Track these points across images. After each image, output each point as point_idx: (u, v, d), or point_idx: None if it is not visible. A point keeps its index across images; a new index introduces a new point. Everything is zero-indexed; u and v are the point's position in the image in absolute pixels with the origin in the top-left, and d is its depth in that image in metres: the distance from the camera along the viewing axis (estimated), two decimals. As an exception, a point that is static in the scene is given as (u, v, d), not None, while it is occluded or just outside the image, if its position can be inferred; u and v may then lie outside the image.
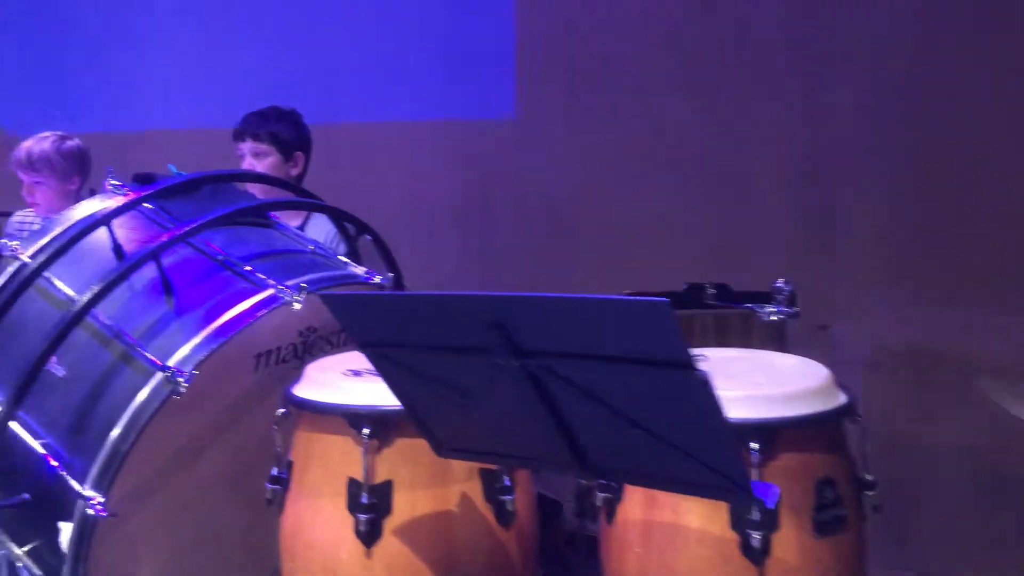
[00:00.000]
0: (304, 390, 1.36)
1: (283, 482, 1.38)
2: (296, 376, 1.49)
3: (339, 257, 1.83)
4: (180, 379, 1.42)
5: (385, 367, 1.08)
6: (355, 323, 1.06)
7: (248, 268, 1.62)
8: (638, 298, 0.81)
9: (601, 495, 1.27)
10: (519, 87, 3.15)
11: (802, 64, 2.79)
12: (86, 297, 1.46)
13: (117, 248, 1.64)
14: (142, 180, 1.83)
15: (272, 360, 1.62)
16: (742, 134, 2.91)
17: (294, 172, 2.46)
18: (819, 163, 2.82)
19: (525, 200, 3.18)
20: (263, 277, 1.60)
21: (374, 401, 1.27)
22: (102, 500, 1.40)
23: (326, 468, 1.31)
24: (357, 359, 1.50)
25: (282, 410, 1.39)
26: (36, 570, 1.54)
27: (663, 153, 3.06)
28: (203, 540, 1.61)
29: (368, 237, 1.97)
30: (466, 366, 1.00)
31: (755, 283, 1.96)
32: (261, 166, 2.43)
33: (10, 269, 1.67)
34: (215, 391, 1.52)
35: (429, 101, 3.23)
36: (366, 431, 1.25)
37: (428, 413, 1.13)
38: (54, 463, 1.46)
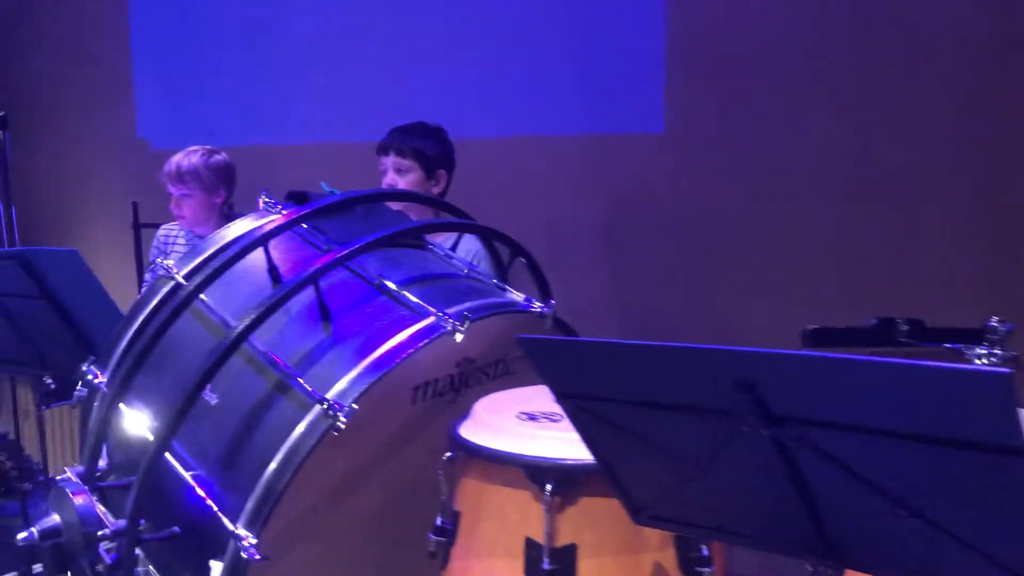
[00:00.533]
0: (475, 433, 1.23)
1: (449, 534, 1.25)
2: (459, 413, 1.37)
3: (494, 282, 1.70)
4: (339, 413, 1.31)
5: (584, 421, 0.93)
6: (556, 370, 0.91)
7: (407, 293, 1.51)
8: (962, 367, 0.62)
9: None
10: (668, 101, 2.97)
11: (985, 70, 2.51)
12: (244, 323, 1.38)
13: (273, 270, 1.56)
14: (296, 199, 1.76)
15: (429, 393, 1.50)
16: (912, 152, 2.64)
17: (436, 190, 2.36)
18: (1007, 184, 2.53)
19: (672, 218, 3.00)
20: (423, 304, 1.49)
21: (558, 453, 1.12)
22: (255, 541, 1.30)
23: (501, 524, 1.17)
24: (528, 399, 1.36)
25: (449, 454, 1.26)
26: (184, 606, 1.47)
27: (821, 172, 2.82)
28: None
29: (522, 260, 1.84)
30: (692, 428, 0.84)
31: (930, 319, 1.77)
32: (403, 182, 2.35)
33: (165, 289, 1.61)
34: (370, 425, 1.41)
35: (573, 115, 3.09)
36: (549, 487, 1.11)
37: (630, 475, 0.98)
38: (206, 498, 1.38)
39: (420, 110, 2.83)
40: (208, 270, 1.57)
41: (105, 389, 1.56)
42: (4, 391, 2.98)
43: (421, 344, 1.41)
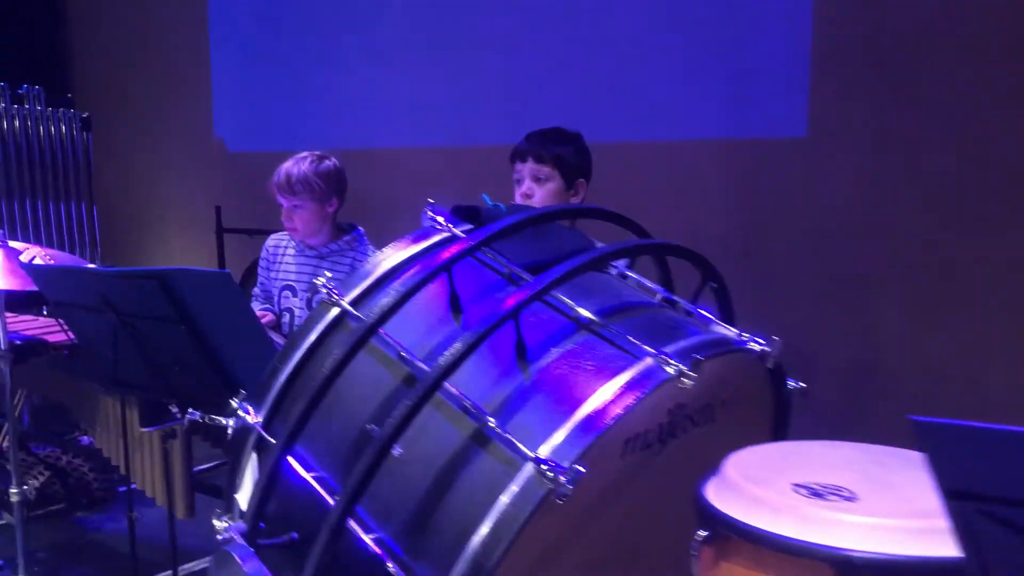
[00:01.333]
0: (748, 512, 1.01)
1: (704, 629, 1.04)
2: (663, 467, 1.17)
3: (699, 312, 1.48)
4: (560, 476, 1.10)
5: (989, 532, 0.71)
6: (958, 463, 0.69)
7: (613, 328, 1.30)
8: None
9: None
10: (812, 104, 2.74)
11: None
12: (441, 366, 1.18)
13: (455, 299, 1.37)
14: (466, 214, 1.56)
15: (639, 445, 1.29)
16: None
17: (574, 200, 2.16)
18: None
19: (814, 225, 2.77)
20: (635, 341, 1.27)
21: (876, 546, 0.90)
22: (460, 627, 1.10)
23: (787, 628, 0.96)
24: (787, 463, 1.13)
25: (703, 532, 1.05)
26: None
27: (978, 180, 2.56)
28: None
29: (713, 285, 1.62)
30: None
31: None
32: (541, 192, 2.15)
33: (329, 317, 1.42)
34: (579, 485, 1.20)
35: (711, 118, 2.87)
36: (867, 589, 0.89)
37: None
38: (394, 568, 1.18)
39: (541, 114, 2.63)
40: (382, 299, 1.37)
41: (261, 431, 1.38)
42: (98, 404, 2.84)
43: (644, 394, 1.20)
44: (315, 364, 1.40)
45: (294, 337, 1.44)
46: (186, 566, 3.20)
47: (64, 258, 2.46)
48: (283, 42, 4.77)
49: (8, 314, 2.53)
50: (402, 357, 1.32)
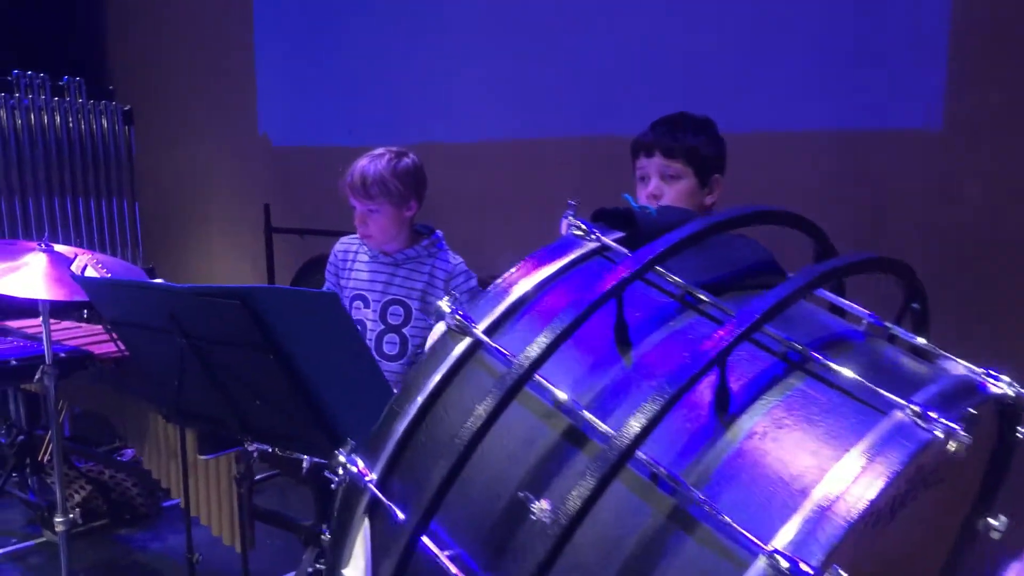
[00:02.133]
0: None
1: None
2: (882, 545, 0.87)
3: (920, 342, 1.18)
4: (811, 580, 0.81)
5: None
6: None
7: (837, 370, 1.00)
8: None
9: None
10: (949, 94, 2.41)
11: None
12: (632, 431, 0.89)
13: (621, 330, 1.07)
14: (609, 219, 1.27)
15: (871, 522, 1.00)
16: None
17: (709, 200, 1.86)
18: None
19: (948, 222, 2.45)
20: (873, 389, 0.98)
21: None
22: None
23: None
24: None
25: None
26: None
27: None
28: None
29: (915, 306, 1.31)
30: None
31: None
32: (671, 191, 1.86)
33: (459, 349, 1.14)
34: None
35: (830, 107, 2.56)
36: None
37: None
38: None
39: (622, 105, 2.34)
40: (525, 326, 1.09)
41: (377, 491, 1.10)
42: (148, 422, 2.59)
43: (903, 464, 0.90)
44: (444, 409, 1.12)
45: (415, 374, 1.15)
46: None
47: (115, 265, 2.21)
48: (331, 32, 4.51)
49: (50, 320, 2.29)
50: (560, 405, 1.03)
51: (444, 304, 1.18)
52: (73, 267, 1.83)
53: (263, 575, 2.40)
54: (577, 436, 1.02)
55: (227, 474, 2.30)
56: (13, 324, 2.92)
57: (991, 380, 1.09)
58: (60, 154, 4.14)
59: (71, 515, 2.34)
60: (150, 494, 3.72)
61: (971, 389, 1.03)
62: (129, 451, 3.80)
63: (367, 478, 1.13)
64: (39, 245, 2.23)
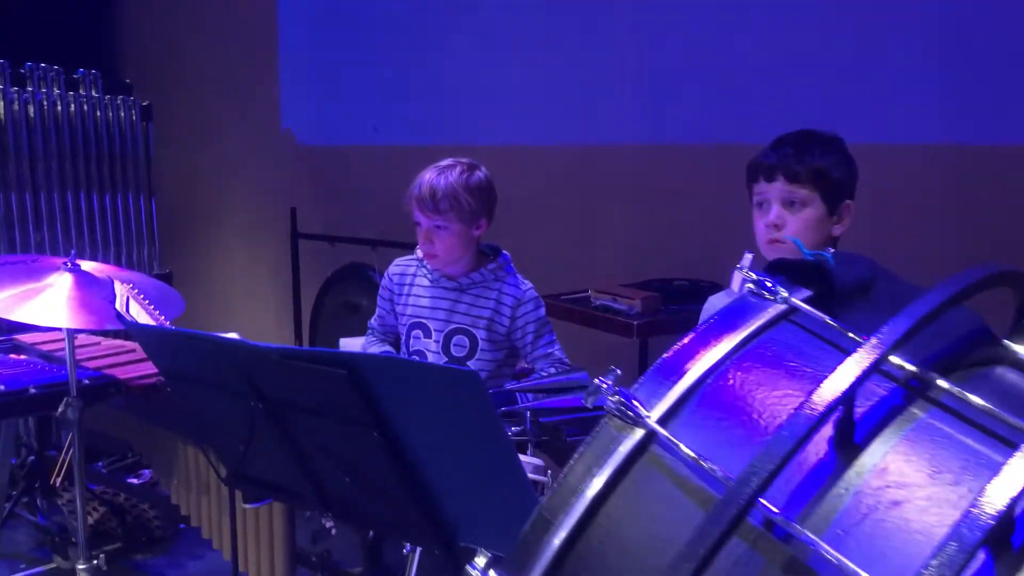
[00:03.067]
0: None
1: None
2: None
3: None
4: None
5: None
6: None
7: None
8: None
9: None
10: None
11: None
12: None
13: (846, 435, 0.85)
14: (798, 274, 1.04)
15: None
16: None
17: (838, 232, 1.64)
18: None
19: None
20: None
21: None
22: None
23: None
24: None
25: None
26: None
27: None
28: None
29: None
30: None
31: None
32: (796, 221, 1.63)
33: (628, 442, 0.91)
34: None
35: (935, 120, 2.35)
36: None
37: None
38: None
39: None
40: (707, 417, 0.87)
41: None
42: (177, 456, 2.37)
43: None
44: (611, 520, 0.89)
45: (572, 470, 0.92)
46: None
47: (147, 286, 1.98)
48: (361, 22, 4.27)
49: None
50: (771, 526, 0.81)
51: (601, 384, 0.95)
52: (117, 304, 1.60)
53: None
54: (805, 572, 0.79)
55: (268, 524, 2.08)
56: (27, 339, 2.69)
57: None
58: (75, 149, 3.92)
59: (96, 561, 2.11)
60: (167, 517, 3.50)
61: None
62: (147, 472, 3.58)
63: (511, 604, 0.90)
64: (65, 264, 2.00)
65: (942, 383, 0.91)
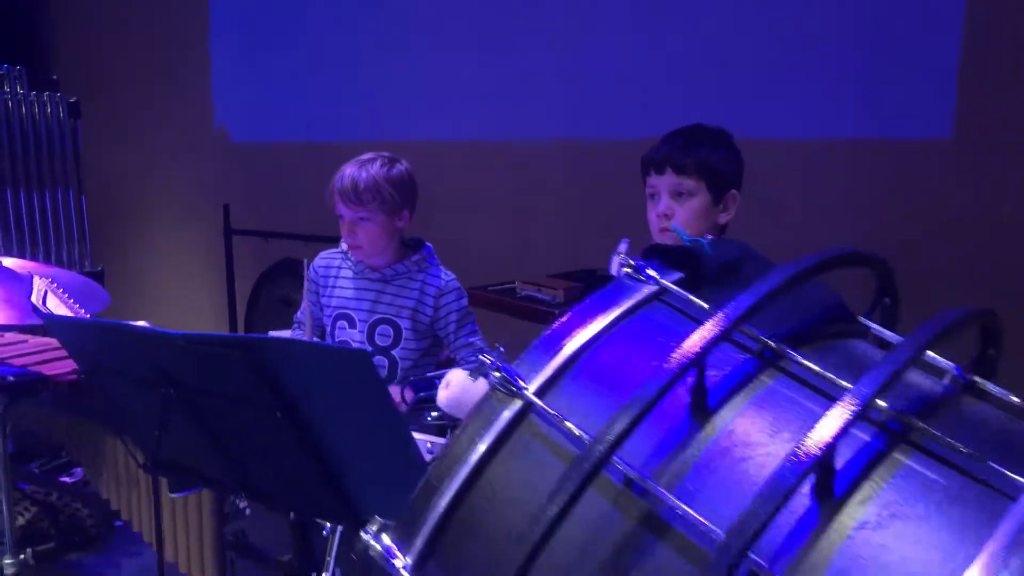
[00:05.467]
0: None
1: None
2: None
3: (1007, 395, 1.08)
4: None
5: None
6: None
7: (947, 443, 0.89)
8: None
9: None
10: (959, 104, 2.35)
11: None
12: (749, 530, 0.75)
13: (700, 397, 0.94)
14: (671, 258, 1.13)
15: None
16: None
17: (723, 220, 1.75)
18: None
19: (959, 229, 2.41)
20: (994, 469, 0.86)
21: None
22: None
23: None
24: None
25: None
26: None
27: None
28: None
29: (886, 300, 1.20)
30: None
31: None
32: (683, 211, 1.73)
33: (506, 412, 0.99)
34: None
35: (849, 117, 2.49)
36: None
37: None
38: None
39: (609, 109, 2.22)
40: (582, 389, 0.95)
41: (413, 581, 0.95)
42: (104, 448, 2.38)
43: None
44: (492, 484, 0.97)
45: (457, 440, 1.00)
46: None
47: (72, 281, 2.00)
48: (292, 18, 4.28)
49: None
50: (630, 485, 0.90)
51: (485, 358, 1.03)
52: (33, 298, 1.61)
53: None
54: (658, 524, 0.88)
55: (196, 514, 2.11)
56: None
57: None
58: (0, 145, 3.87)
59: (23, 556, 2.12)
60: (101, 515, 3.48)
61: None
62: (78, 470, 3.55)
63: (399, 563, 0.97)
64: (-17, 260, 2.01)
65: (792, 354, 1.00)
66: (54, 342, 2.67)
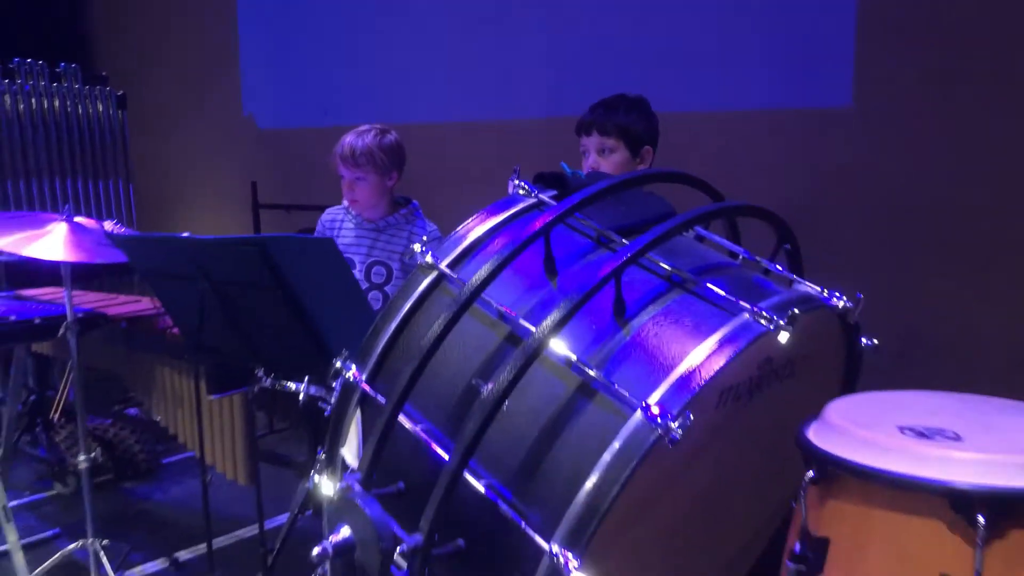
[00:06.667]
0: (860, 452, 1.07)
1: (812, 563, 1.11)
2: (749, 419, 1.24)
3: (780, 270, 1.55)
4: (670, 423, 1.17)
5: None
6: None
7: (710, 286, 1.36)
8: None
9: None
10: (858, 73, 2.77)
11: None
12: (547, 326, 1.24)
13: (549, 260, 1.43)
14: (548, 181, 1.62)
15: (731, 397, 1.36)
16: None
17: (641, 167, 2.21)
18: None
19: (860, 194, 2.82)
20: (729, 298, 1.34)
21: (989, 480, 0.97)
22: (578, 563, 1.17)
23: (900, 558, 1.02)
24: (885, 409, 1.21)
25: (810, 473, 1.12)
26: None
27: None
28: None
29: (787, 247, 1.68)
30: None
31: None
32: (607, 164, 2.20)
33: (427, 280, 1.49)
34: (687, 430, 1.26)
35: (759, 89, 2.92)
36: (982, 518, 0.95)
37: None
38: (507, 511, 1.26)
39: (590, 86, 2.68)
40: (483, 263, 1.44)
41: (366, 387, 1.45)
42: (154, 374, 2.92)
43: (742, 347, 1.26)
44: (416, 324, 1.47)
45: (395, 299, 1.50)
46: (237, 532, 3.30)
47: (131, 233, 2.52)
48: (311, 17, 4.80)
49: (60, 288, 2.60)
50: (503, 317, 1.39)
51: (415, 247, 1.53)
52: (106, 227, 2.13)
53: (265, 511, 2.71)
54: (513, 338, 1.37)
55: (230, 418, 2.63)
56: (28, 292, 3.23)
57: (837, 299, 1.45)
58: (59, 137, 4.39)
59: (93, 454, 2.66)
60: (151, 451, 4.04)
61: (806, 300, 1.39)
62: (132, 411, 4.11)
63: (357, 377, 1.47)
64: (62, 216, 2.54)
65: (691, 277, 1.44)
66: (112, 295, 3.23)
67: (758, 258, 1.56)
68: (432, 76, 4.14)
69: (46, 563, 2.82)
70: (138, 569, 3.10)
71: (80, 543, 2.74)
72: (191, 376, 2.68)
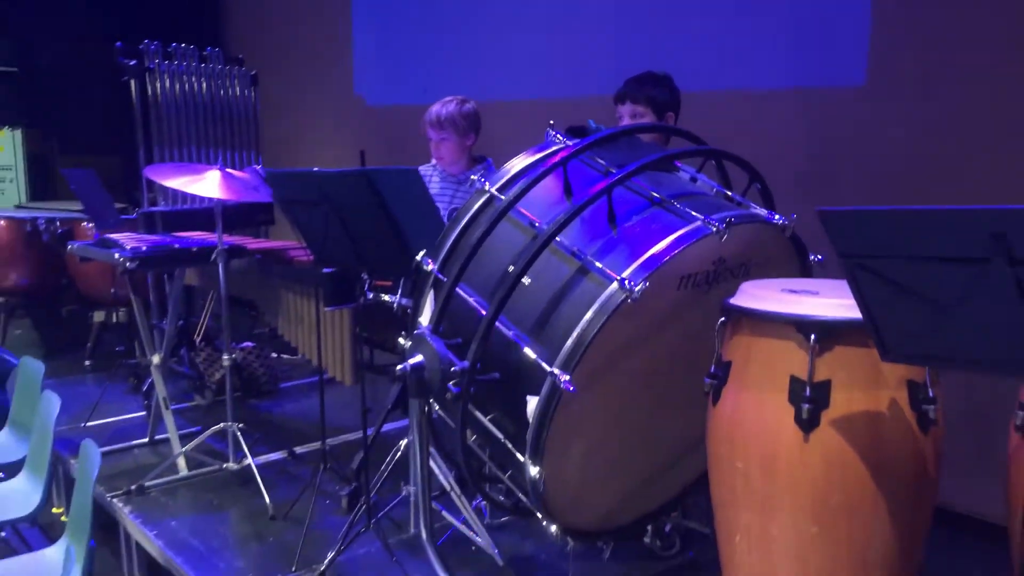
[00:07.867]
0: (750, 302, 1.62)
1: (720, 378, 1.65)
2: (709, 304, 1.78)
3: (737, 199, 2.08)
4: (635, 287, 1.73)
5: (858, 275, 1.30)
6: (843, 234, 1.28)
7: (675, 203, 1.92)
8: None
9: None
10: (872, 52, 3.14)
11: None
12: (555, 226, 1.83)
13: (567, 185, 2.01)
14: (576, 132, 2.20)
15: (690, 283, 1.91)
16: None
17: (666, 132, 2.74)
18: None
19: (872, 170, 3.15)
20: (689, 211, 1.89)
21: (821, 313, 1.50)
22: (568, 377, 1.75)
23: (768, 367, 1.56)
24: (783, 283, 1.75)
25: (722, 319, 1.67)
26: (498, 433, 1.96)
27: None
28: (623, 423, 1.97)
29: (757, 186, 2.20)
30: (952, 275, 1.19)
31: None
32: (639, 127, 2.74)
33: (480, 200, 2.09)
34: (646, 304, 1.82)
35: (775, 68, 3.32)
36: (813, 337, 1.49)
37: (887, 320, 1.33)
38: (526, 350, 1.85)
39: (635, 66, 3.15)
40: (517, 186, 2.03)
41: (439, 275, 2.07)
42: (281, 297, 3.63)
43: (692, 241, 1.81)
44: (473, 230, 2.07)
45: (459, 214, 2.12)
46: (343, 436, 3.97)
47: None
48: (412, 10, 5.49)
49: (205, 233, 3.30)
50: (532, 224, 1.98)
51: (474, 176, 2.14)
52: (257, 166, 2.84)
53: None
54: (537, 238, 1.95)
55: (340, 330, 3.31)
56: (183, 235, 4.01)
57: (776, 217, 1.97)
58: (204, 113, 5.17)
59: (222, 372, 3.39)
60: (272, 375, 4.80)
61: (747, 216, 1.92)
62: (248, 344, 4.88)
63: (432, 267, 2.09)
64: (216, 166, 3.27)
65: (667, 199, 2.03)
66: (247, 237, 3.97)
67: (729, 192, 2.10)
68: (510, 60, 4.74)
69: (194, 441, 3.56)
70: (263, 457, 3.81)
71: (222, 425, 3.46)
72: (311, 297, 3.37)
